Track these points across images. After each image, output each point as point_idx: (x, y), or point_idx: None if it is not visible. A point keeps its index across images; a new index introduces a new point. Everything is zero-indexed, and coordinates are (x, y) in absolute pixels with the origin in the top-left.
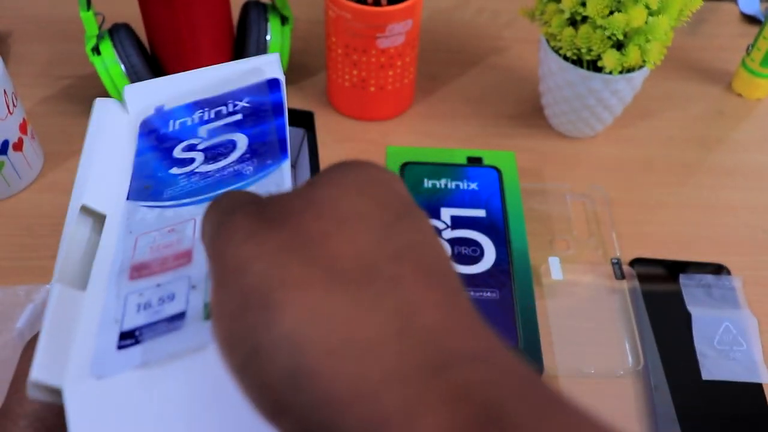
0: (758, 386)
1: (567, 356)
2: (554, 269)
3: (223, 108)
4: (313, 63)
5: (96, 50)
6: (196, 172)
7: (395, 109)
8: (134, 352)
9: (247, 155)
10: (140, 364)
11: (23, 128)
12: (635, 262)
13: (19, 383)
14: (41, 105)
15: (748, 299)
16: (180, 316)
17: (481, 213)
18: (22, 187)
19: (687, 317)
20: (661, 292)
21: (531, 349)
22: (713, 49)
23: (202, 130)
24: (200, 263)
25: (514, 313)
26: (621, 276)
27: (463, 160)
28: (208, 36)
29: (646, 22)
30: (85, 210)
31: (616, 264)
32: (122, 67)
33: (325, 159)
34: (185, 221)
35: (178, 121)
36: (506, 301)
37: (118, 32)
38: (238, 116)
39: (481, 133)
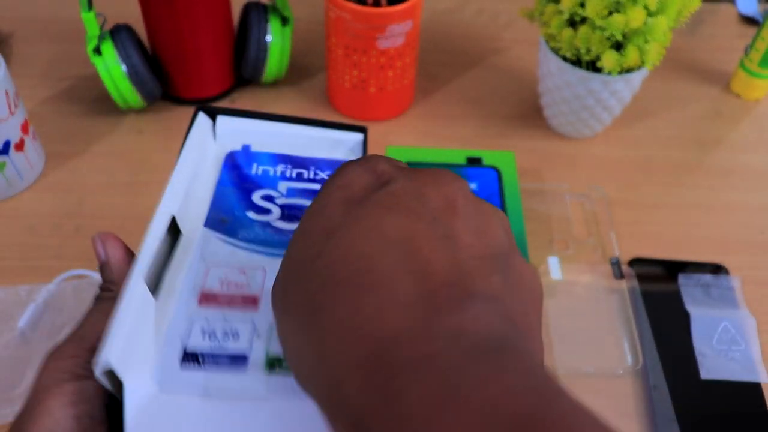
0: (756, 386)
1: (566, 356)
2: (553, 269)
3: (305, 172)
4: (313, 64)
5: (97, 51)
6: (272, 225)
7: (395, 110)
8: (197, 376)
9: None
10: (203, 392)
11: (25, 128)
12: (634, 262)
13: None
14: (43, 105)
15: (746, 299)
16: (243, 359)
17: None
18: (23, 187)
19: (686, 317)
20: (660, 291)
21: None
22: (711, 49)
23: (282, 186)
24: (265, 314)
25: None
26: (620, 276)
27: (462, 161)
28: (209, 37)
29: (644, 23)
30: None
31: (615, 264)
32: (123, 67)
33: None
34: (256, 268)
35: (261, 167)
36: None
37: (119, 33)
38: (317, 186)
39: (480, 134)
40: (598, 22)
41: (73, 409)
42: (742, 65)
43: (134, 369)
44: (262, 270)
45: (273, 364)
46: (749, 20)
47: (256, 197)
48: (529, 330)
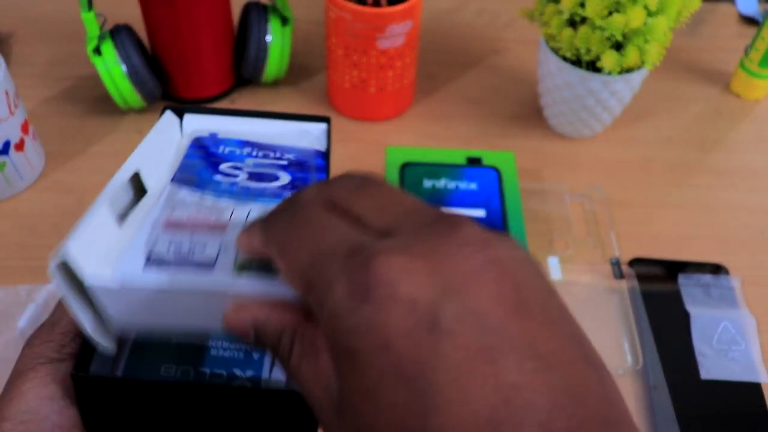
0: (756, 385)
1: None
2: (553, 269)
3: (271, 153)
4: (313, 64)
5: (97, 51)
6: (239, 185)
7: (395, 110)
8: (160, 275)
9: (289, 187)
10: (166, 287)
11: (25, 128)
12: (634, 262)
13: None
14: (43, 105)
15: (746, 299)
16: (209, 265)
17: (480, 213)
18: (23, 187)
19: (686, 317)
20: (660, 291)
21: None
22: (711, 49)
23: (249, 161)
24: (233, 236)
25: None
26: (620, 276)
27: (462, 161)
28: (209, 37)
29: (644, 23)
30: (132, 179)
31: (615, 264)
32: (123, 67)
33: None
34: (224, 208)
35: (227, 148)
36: None
37: (120, 33)
38: (284, 162)
39: (480, 134)
40: (598, 22)
41: (45, 389)
42: (742, 65)
43: (94, 265)
44: (231, 208)
45: (243, 267)
46: (749, 20)
47: (224, 167)
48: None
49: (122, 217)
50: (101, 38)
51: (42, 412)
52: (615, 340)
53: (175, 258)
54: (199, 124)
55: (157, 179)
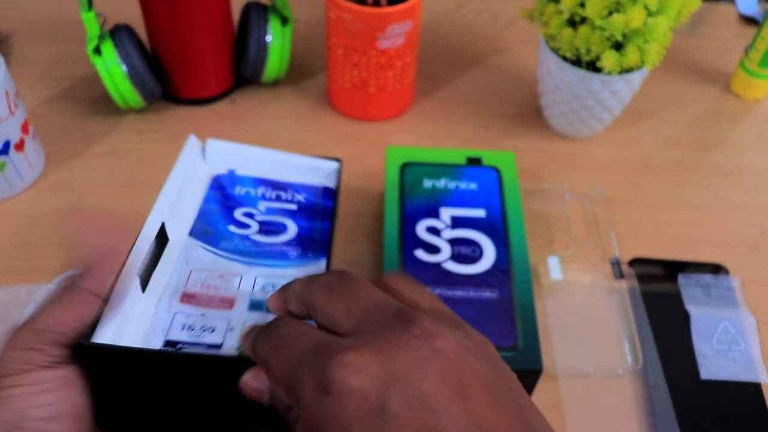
0: (756, 386)
1: (566, 356)
2: (553, 269)
3: (283, 193)
4: (313, 64)
5: (97, 51)
6: (250, 238)
7: (395, 110)
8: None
9: (294, 242)
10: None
11: (25, 128)
12: (634, 262)
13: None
14: (43, 105)
15: (746, 299)
16: (217, 347)
17: (480, 213)
18: (23, 187)
19: (686, 317)
20: (660, 291)
21: (530, 349)
22: (711, 49)
23: (262, 205)
24: (239, 312)
25: (514, 313)
26: (620, 276)
27: (462, 161)
28: (209, 37)
29: (644, 23)
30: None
31: (615, 264)
32: (123, 67)
33: None
34: (234, 275)
35: (243, 189)
36: (505, 300)
37: (120, 33)
38: (294, 206)
39: (480, 134)
40: (598, 22)
41: (39, 397)
42: (742, 65)
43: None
44: (239, 277)
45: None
46: (749, 20)
47: (238, 214)
48: None
49: (145, 280)
50: (101, 38)
51: (33, 418)
52: (615, 340)
53: (188, 338)
54: (219, 150)
55: (179, 222)
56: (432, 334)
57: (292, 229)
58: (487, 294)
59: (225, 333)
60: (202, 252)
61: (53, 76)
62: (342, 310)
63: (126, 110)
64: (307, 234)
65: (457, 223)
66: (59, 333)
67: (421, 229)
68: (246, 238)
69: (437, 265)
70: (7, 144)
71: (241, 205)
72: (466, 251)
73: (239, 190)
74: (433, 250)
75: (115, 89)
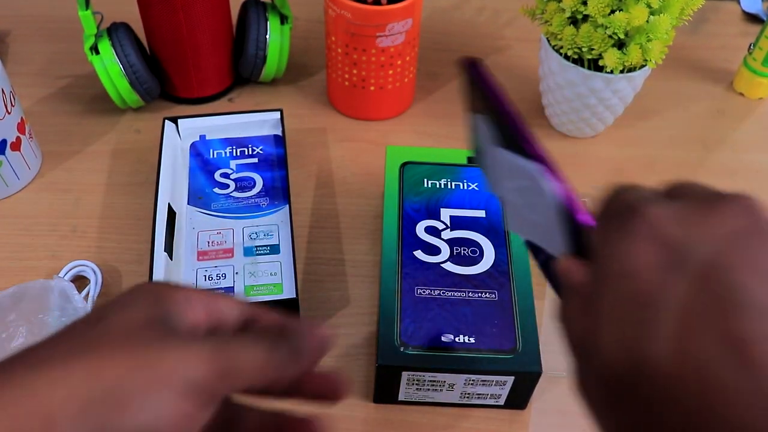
0: None
1: (566, 356)
2: None
3: (245, 149)
4: (313, 62)
5: (94, 49)
6: (231, 197)
7: (395, 109)
8: None
9: (263, 194)
10: None
11: (21, 128)
12: None
13: None
14: (39, 104)
15: None
16: (231, 290)
17: (480, 213)
18: (20, 186)
19: None
20: None
21: (530, 350)
22: (715, 48)
23: (233, 164)
24: (238, 259)
25: (514, 314)
26: None
27: (463, 160)
28: (208, 35)
29: (647, 21)
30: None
31: None
32: (121, 66)
33: (326, 159)
34: (227, 230)
35: (216, 151)
36: (505, 301)
37: (117, 31)
38: (256, 159)
39: None
40: (600, 21)
41: (182, 422)
42: (745, 64)
43: None
44: (231, 230)
45: (248, 291)
46: (753, 18)
47: (217, 176)
48: None
49: (169, 251)
50: (98, 37)
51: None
52: None
53: (211, 286)
54: (189, 126)
55: (178, 196)
56: (758, 213)
57: (258, 182)
58: (487, 295)
59: (233, 277)
60: (201, 216)
61: (50, 75)
62: (674, 188)
63: (124, 109)
64: (271, 184)
65: (456, 223)
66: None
67: (420, 229)
68: (228, 197)
69: (436, 266)
70: (3, 143)
71: (218, 167)
72: (465, 252)
73: (213, 154)
74: (433, 250)
75: (113, 88)
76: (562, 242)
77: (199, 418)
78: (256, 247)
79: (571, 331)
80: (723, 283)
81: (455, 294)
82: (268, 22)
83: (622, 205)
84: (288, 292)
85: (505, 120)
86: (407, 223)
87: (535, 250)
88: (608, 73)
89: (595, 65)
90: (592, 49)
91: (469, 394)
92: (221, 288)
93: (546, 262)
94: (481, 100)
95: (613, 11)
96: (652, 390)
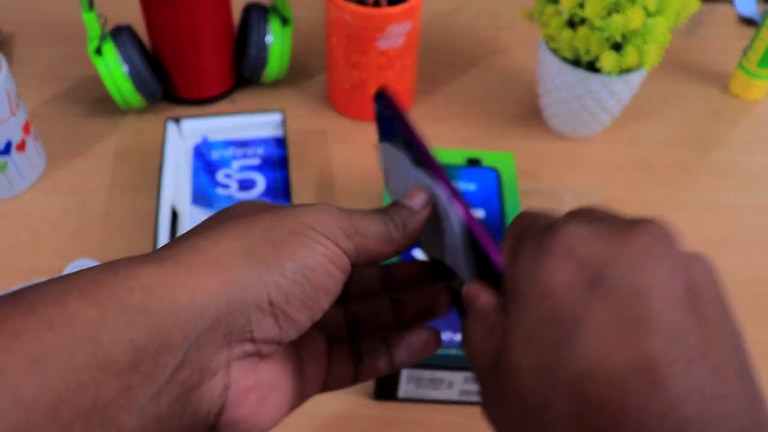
0: None
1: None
2: None
3: (247, 150)
4: (313, 64)
5: (98, 51)
6: (233, 197)
7: None
8: None
9: (264, 194)
10: None
11: (26, 129)
12: None
13: None
14: (44, 106)
15: (746, 299)
16: None
17: (479, 214)
18: (25, 187)
19: None
20: None
21: None
22: (710, 50)
23: (235, 164)
24: None
25: None
26: None
27: (462, 161)
28: (210, 37)
29: (644, 24)
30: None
31: None
32: (124, 68)
33: (327, 160)
34: None
35: (218, 153)
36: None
37: (120, 34)
38: (258, 161)
39: (480, 134)
40: (598, 23)
41: (330, 265)
42: (740, 66)
43: None
44: None
45: None
46: (748, 21)
47: (219, 176)
48: None
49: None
50: (102, 39)
51: (325, 281)
52: None
53: None
54: (192, 126)
55: (182, 196)
56: (671, 238)
57: (260, 183)
58: None
59: None
60: (203, 216)
61: (54, 77)
62: (585, 211)
63: (127, 110)
64: (272, 184)
65: None
66: (364, 252)
67: None
68: (230, 197)
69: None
70: (8, 144)
71: (220, 167)
72: None
73: (215, 155)
74: None
75: (116, 89)
76: (467, 266)
77: (341, 269)
78: None
79: (477, 354)
80: (637, 305)
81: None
82: (270, 24)
83: (536, 227)
84: None
85: (412, 145)
86: None
87: (439, 269)
88: (605, 75)
89: (593, 67)
90: (590, 52)
91: (468, 391)
92: None
93: (450, 283)
94: (390, 128)
95: (610, 14)
96: (568, 408)
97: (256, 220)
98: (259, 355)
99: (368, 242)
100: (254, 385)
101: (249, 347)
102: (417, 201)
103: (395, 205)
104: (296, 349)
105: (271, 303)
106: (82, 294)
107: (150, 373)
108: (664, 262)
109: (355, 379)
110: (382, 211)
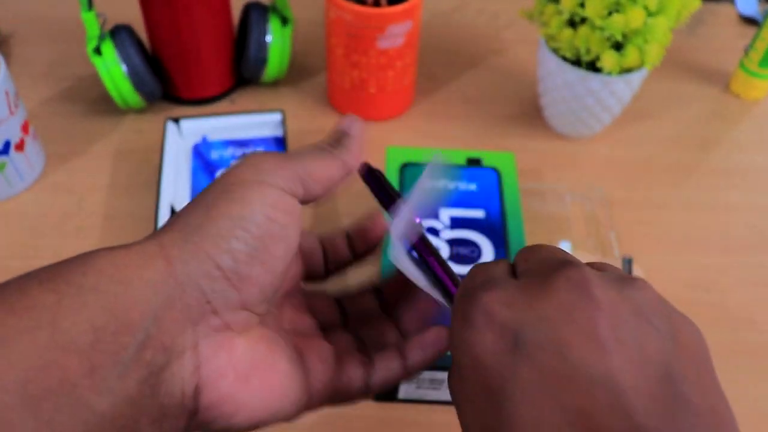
0: None
1: None
2: None
3: (247, 150)
4: (313, 64)
5: (97, 51)
6: None
7: (395, 110)
8: None
9: None
10: None
11: (25, 129)
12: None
13: None
14: (43, 105)
15: (746, 299)
16: None
17: (479, 214)
18: (23, 187)
19: None
20: None
21: None
22: (711, 50)
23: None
24: None
25: None
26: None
27: (462, 161)
28: (209, 37)
29: (644, 23)
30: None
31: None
32: (123, 67)
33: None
34: None
35: (217, 153)
36: None
37: (120, 33)
38: None
39: (480, 134)
40: (598, 23)
41: (269, 210)
42: (741, 65)
43: None
44: None
45: None
46: (749, 20)
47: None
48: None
49: None
50: (101, 38)
51: (258, 224)
52: None
53: None
54: (191, 126)
55: (180, 197)
56: (589, 282)
57: None
58: None
59: None
60: None
61: (53, 77)
62: (523, 259)
63: (126, 110)
64: None
65: (456, 223)
66: (308, 176)
67: None
68: None
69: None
70: (7, 144)
71: (219, 167)
72: (464, 252)
73: (215, 155)
74: None
75: (115, 89)
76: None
77: (286, 210)
78: None
79: (453, 397)
80: (558, 359)
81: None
82: (270, 24)
83: (466, 292)
84: None
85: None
86: None
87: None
88: (606, 74)
89: (593, 67)
90: (590, 51)
91: None
92: None
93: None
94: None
95: (610, 13)
96: None
97: (199, 195)
98: (231, 329)
99: (310, 166)
100: (228, 363)
101: (214, 321)
102: (347, 124)
103: (340, 132)
104: (297, 345)
105: (218, 267)
106: (41, 281)
107: (112, 352)
108: (580, 311)
109: (368, 385)
110: (330, 144)
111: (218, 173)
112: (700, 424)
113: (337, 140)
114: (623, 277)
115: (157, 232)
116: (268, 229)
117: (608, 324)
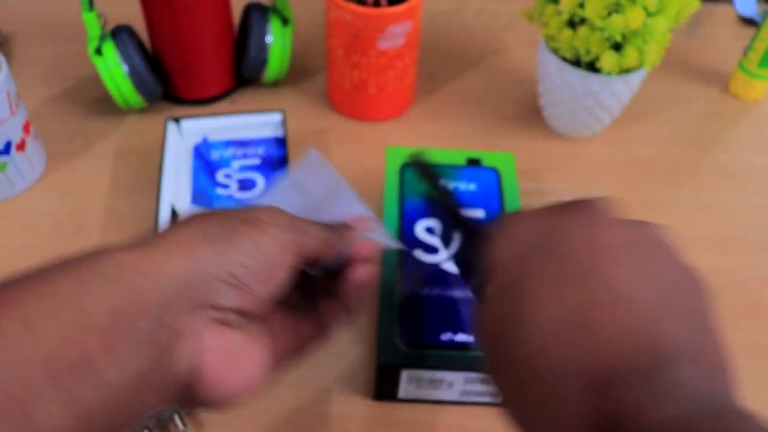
0: None
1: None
2: None
3: (247, 150)
4: (313, 64)
5: (98, 51)
6: (233, 197)
7: (395, 110)
8: None
9: (264, 192)
10: None
11: (26, 129)
12: None
13: None
14: (44, 106)
15: (746, 299)
16: None
17: (479, 214)
18: (25, 187)
19: None
20: None
21: None
22: (710, 50)
23: (235, 164)
24: None
25: None
26: None
27: (462, 161)
28: (210, 37)
29: (644, 24)
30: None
31: None
32: (124, 68)
33: (326, 160)
34: None
35: (218, 153)
36: None
37: (120, 33)
38: (258, 161)
39: (480, 134)
40: (598, 23)
41: (278, 246)
42: (740, 66)
43: None
44: None
45: None
46: (748, 21)
47: (219, 176)
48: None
49: None
50: (102, 38)
51: (275, 258)
52: None
53: None
54: (192, 126)
55: (182, 196)
56: (601, 209)
57: (260, 183)
58: None
59: None
60: None
61: (54, 77)
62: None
63: (127, 110)
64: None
65: None
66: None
67: (420, 229)
68: (230, 197)
69: (435, 266)
70: (8, 144)
71: (220, 167)
72: None
73: (215, 155)
74: (432, 250)
75: (116, 89)
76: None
77: (291, 252)
78: None
79: (485, 326)
80: (574, 261)
81: (454, 293)
82: (270, 25)
83: (500, 226)
84: None
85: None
86: (407, 223)
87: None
88: (605, 75)
89: (593, 67)
90: (590, 51)
91: (468, 392)
92: None
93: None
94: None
95: (610, 14)
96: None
97: (213, 214)
98: (227, 324)
99: (310, 239)
100: (223, 348)
101: (214, 313)
102: (357, 225)
103: (339, 223)
104: (268, 326)
105: (232, 276)
106: (64, 271)
107: (128, 334)
108: (593, 227)
109: (319, 332)
110: (329, 227)
111: (219, 174)
112: (691, 327)
113: (340, 227)
114: (635, 219)
115: (171, 230)
116: (277, 259)
117: (616, 242)
